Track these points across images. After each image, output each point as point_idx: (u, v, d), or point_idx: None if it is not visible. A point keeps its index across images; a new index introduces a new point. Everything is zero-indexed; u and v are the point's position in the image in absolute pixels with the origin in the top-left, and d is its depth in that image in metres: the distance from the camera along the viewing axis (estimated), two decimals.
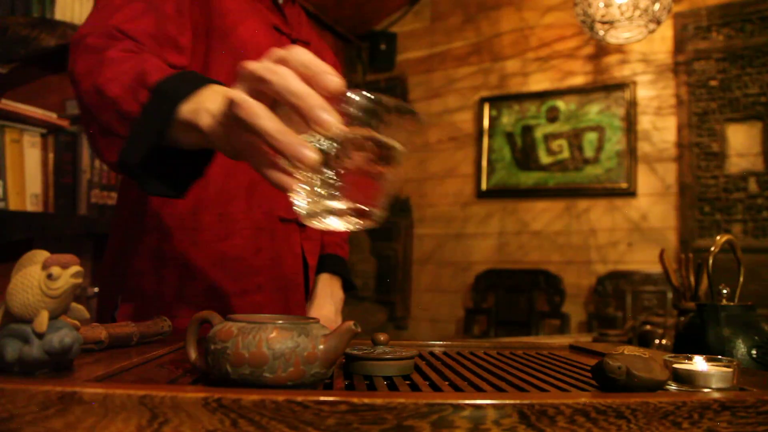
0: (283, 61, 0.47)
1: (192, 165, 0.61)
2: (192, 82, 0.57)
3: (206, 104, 0.53)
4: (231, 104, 0.47)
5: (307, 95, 0.44)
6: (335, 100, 0.46)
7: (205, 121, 0.52)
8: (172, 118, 0.54)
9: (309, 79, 0.46)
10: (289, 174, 0.47)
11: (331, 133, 0.46)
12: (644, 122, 2.95)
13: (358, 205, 0.49)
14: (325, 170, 0.47)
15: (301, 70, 0.46)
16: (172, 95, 0.55)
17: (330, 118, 0.44)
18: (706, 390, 0.46)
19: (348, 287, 1.10)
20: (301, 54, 0.47)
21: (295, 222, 0.93)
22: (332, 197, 0.48)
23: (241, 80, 0.48)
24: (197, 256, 0.83)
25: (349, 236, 1.18)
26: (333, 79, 0.46)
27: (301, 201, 0.49)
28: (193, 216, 0.84)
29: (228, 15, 0.85)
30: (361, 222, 0.50)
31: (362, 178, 0.49)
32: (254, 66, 0.47)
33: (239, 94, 0.47)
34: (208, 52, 0.84)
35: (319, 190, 0.48)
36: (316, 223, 0.50)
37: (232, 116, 0.47)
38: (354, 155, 0.48)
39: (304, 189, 0.49)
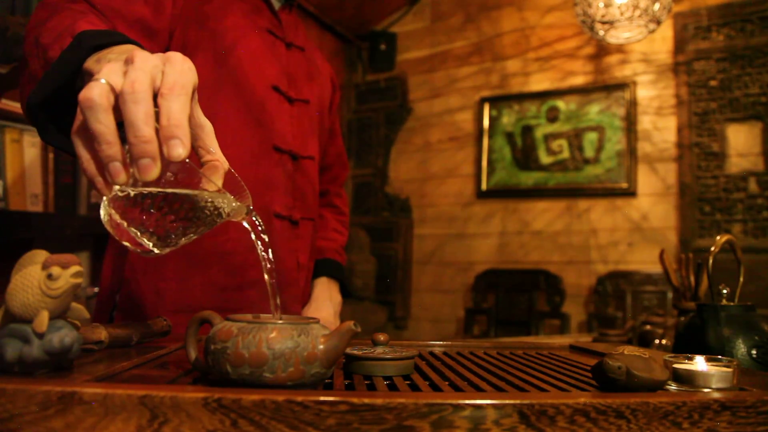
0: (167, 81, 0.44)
1: None
2: (115, 36, 0.56)
3: (111, 56, 0.51)
4: (128, 62, 0.44)
5: (143, 140, 0.42)
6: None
7: (100, 69, 0.48)
8: (81, 63, 0.54)
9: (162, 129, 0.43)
10: (116, 170, 0.44)
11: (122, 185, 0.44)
12: (644, 122, 2.95)
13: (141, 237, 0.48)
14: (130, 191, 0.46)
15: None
16: (87, 44, 0.55)
17: (118, 175, 0.42)
18: (706, 390, 0.46)
19: (345, 293, 1.11)
20: (169, 105, 0.44)
21: (288, 220, 0.93)
22: (131, 221, 0.48)
23: (128, 60, 0.45)
24: (193, 249, 0.83)
25: (346, 243, 1.18)
26: (176, 145, 0.43)
27: (106, 207, 0.48)
28: None
29: (218, 17, 0.86)
30: (141, 248, 0.49)
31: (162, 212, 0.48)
32: (136, 68, 0.44)
33: (143, 64, 0.44)
34: (187, 36, 0.85)
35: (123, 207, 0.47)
36: (109, 229, 0.49)
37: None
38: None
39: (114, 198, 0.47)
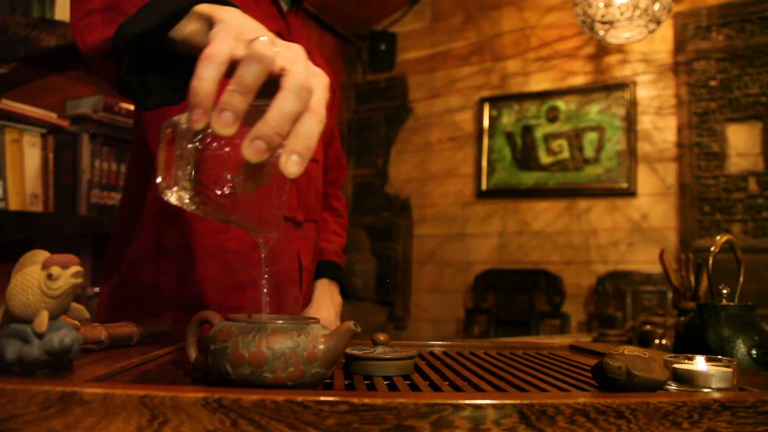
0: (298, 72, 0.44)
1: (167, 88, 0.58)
2: None
3: (234, 12, 0.50)
4: (296, 52, 0.45)
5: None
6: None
7: (225, 16, 0.48)
8: (191, 8, 0.52)
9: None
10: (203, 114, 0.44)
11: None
12: (644, 122, 2.95)
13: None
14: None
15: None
16: None
17: (230, 126, 0.42)
18: (706, 390, 0.46)
19: (344, 295, 1.11)
20: (318, 87, 0.45)
21: (292, 221, 0.93)
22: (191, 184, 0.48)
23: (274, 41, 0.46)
24: (196, 246, 0.83)
25: (345, 244, 1.18)
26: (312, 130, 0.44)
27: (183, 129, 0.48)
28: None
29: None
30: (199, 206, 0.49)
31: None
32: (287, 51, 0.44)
33: (303, 61, 0.45)
34: None
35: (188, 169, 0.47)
36: (168, 194, 0.49)
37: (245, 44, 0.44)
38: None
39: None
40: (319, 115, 0.44)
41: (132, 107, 1.81)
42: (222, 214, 0.50)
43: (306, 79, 0.44)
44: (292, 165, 0.42)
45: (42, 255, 0.43)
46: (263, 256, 0.52)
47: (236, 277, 0.85)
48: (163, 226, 0.84)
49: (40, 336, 0.41)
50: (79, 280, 0.43)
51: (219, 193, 0.48)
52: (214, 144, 0.47)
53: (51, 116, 1.67)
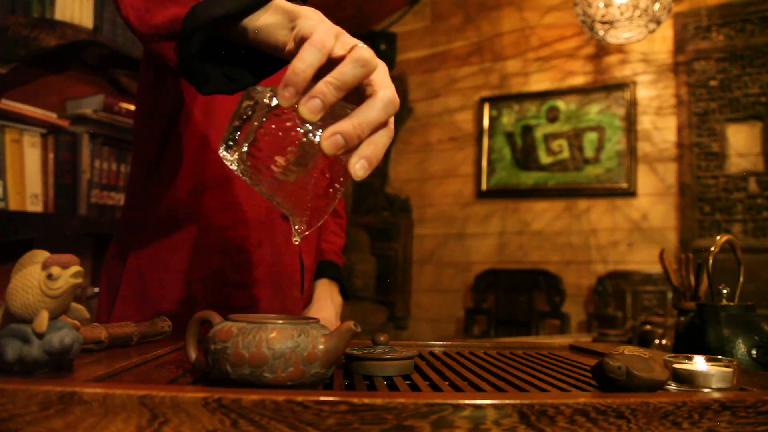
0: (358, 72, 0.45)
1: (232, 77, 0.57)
2: None
3: (307, 8, 0.51)
4: (342, 35, 0.46)
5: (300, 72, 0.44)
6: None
7: (306, 12, 0.49)
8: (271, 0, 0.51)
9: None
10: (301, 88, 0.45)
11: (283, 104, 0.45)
12: (644, 122, 2.95)
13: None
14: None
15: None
16: None
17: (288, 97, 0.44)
18: (706, 390, 0.46)
19: (344, 295, 1.11)
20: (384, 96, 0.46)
21: None
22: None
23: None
24: (200, 243, 0.84)
25: (344, 245, 1.18)
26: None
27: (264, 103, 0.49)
28: (194, 199, 0.84)
29: None
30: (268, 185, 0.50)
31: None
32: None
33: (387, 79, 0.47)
34: None
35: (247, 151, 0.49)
36: (228, 157, 0.50)
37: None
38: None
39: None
40: (392, 132, 0.47)
41: (132, 107, 1.81)
42: (267, 189, 0.51)
43: (395, 97, 0.46)
44: (360, 168, 0.45)
45: (42, 255, 0.43)
46: (296, 242, 0.54)
47: (240, 275, 0.85)
48: (166, 227, 0.84)
49: (40, 336, 0.41)
50: (79, 280, 0.43)
51: (267, 166, 0.49)
52: (287, 123, 0.49)
53: (51, 116, 1.67)
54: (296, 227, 0.53)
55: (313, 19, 0.49)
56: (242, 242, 0.85)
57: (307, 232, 0.53)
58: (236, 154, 0.50)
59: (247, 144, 0.49)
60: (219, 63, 0.56)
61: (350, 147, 0.44)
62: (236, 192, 0.85)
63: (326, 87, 0.44)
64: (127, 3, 0.60)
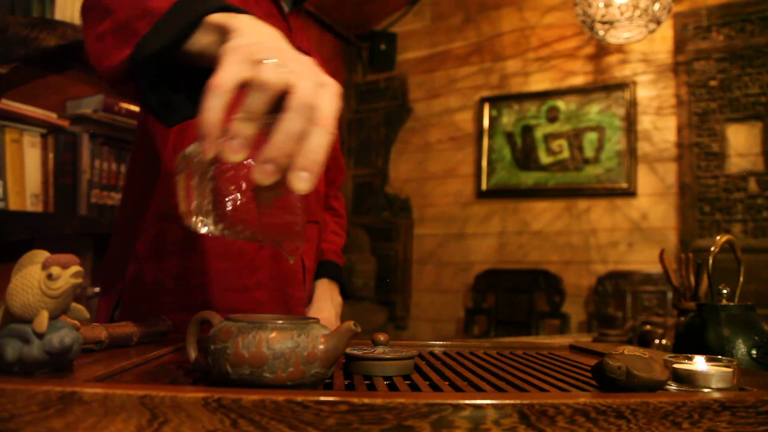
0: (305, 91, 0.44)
1: (188, 97, 0.58)
2: (234, 6, 0.54)
3: (248, 21, 0.50)
4: (299, 61, 0.45)
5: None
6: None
7: (241, 24, 0.49)
8: (203, 19, 0.52)
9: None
10: (217, 142, 0.44)
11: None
12: (644, 122, 2.95)
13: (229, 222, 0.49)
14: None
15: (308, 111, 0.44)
16: (213, 2, 0.53)
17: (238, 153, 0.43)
18: (706, 390, 0.46)
19: (344, 295, 1.11)
20: (327, 102, 0.44)
21: None
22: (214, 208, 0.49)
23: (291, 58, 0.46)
24: (202, 247, 0.83)
25: (344, 244, 1.18)
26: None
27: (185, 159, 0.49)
28: None
29: None
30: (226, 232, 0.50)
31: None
32: (299, 73, 0.44)
33: (312, 74, 0.45)
34: None
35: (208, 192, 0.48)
36: (194, 223, 0.50)
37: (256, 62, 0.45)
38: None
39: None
40: (326, 127, 0.44)
41: (133, 107, 1.81)
42: (249, 232, 0.51)
43: (312, 97, 0.44)
44: (300, 182, 0.43)
45: (42, 255, 0.43)
46: (291, 262, 0.54)
47: (242, 279, 0.85)
48: (167, 229, 0.84)
49: (40, 336, 0.41)
50: (79, 280, 0.43)
51: (239, 213, 0.49)
52: (230, 169, 0.49)
53: (51, 116, 1.67)
54: (287, 253, 0.52)
55: (238, 32, 0.48)
56: (243, 245, 0.85)
57: (299, 249, 0.53)
58: (205, 218, 0.49)
59: (209, 205, 0.49)
60: (186, 88, 0.57)
61: (284, 167, 0.43)
62: None
63: (238, 125, 0.43)
64: (89, 51, 0.63)
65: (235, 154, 0.43)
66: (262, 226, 0.51)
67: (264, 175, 0.42)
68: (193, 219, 0.49)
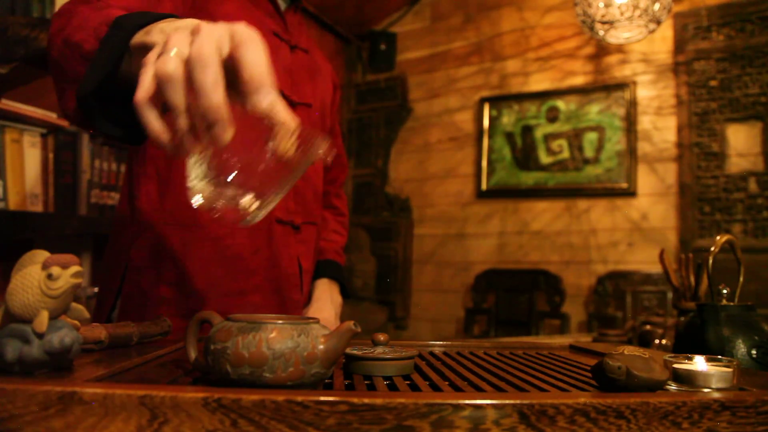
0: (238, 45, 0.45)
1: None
2: (154, 16, 0.55)
3: (163, 25, 0.51)
4: (167, 45, 0.45)
5: (215, 106, 0.43)
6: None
7: (154, 38, 0.50)
8: (127, 44, 0.53)
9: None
10: (193, 138, 0.45)
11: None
12: (644, 122, 2.95)
13: (249, 192, 0.49)
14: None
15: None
16: (128, 25, 0.54)
17: (223, 138, 0.43)
18: (706, 390, 0.46)
19: (344, 294, 1.11)
20: (250, 54, 0.45)
21: (290, 225, 0.93)
22: (223, 182, 0.48)
23: (195, 30, 0.46)
24: (197, 253, 0.83)
25: (346, 243, 1.18)
26: (263, 103, 0.44)
27: (195, 177, 0.49)
28: (193, 213, 0.84)
29: (223, 16, 0.85)
30: (251, 208, 0.50)
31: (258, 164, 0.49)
32: (203, 35, 0.44)
33: (176, 42, 0.45)
34: None
35: (209, 171, 0.48)
36: (206, 204, 0.50)
37: (160, 53, 0.45)
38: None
39: (198, 163, 0.48)
40: (248, 44, 0.45)
41: None
42: (237, 190, 0.50)
43: (198, 45, 0.43)
44: (265, 99, 0.44)
45: (42, 255, 0.43)
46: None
47: (239, 283, 0.85)
48: (163, 234, 0.84)
49: (40, 336, 0.41)
50: (79, 280, 0.43)
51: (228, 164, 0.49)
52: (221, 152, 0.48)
53: (51, 116, 1.67)
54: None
55: (153, 45, 0.48)
56: (240, 250, 0.85)
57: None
58: (202, 186, 0.49)
59: (203, 176, 0.48)
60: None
61: (224, 116, 0.43)
62: None
63: (205, 109, 0.43)
64: (62, 108, 0.66)
65: (223, 136, 0.43)
66: (249, 181, 0.50)
67: (222, 136, 0.43)
68: (194, 195, 0.49)
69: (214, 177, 0.48)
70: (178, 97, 0.43)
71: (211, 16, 0.85)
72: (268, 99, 0.44)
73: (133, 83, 0.54)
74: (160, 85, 0.43)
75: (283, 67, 0.94)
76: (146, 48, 0.50)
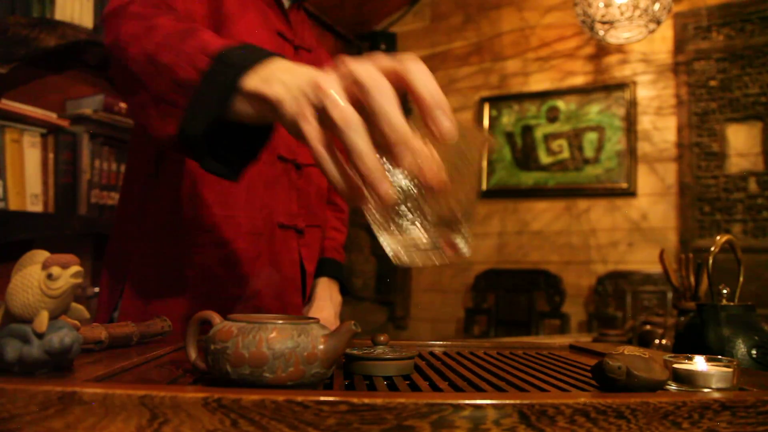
0: (394, 75, 0.44)
1: (247, 144, 0.59)
2: (257, 51, 0.54)
3: (280, 74, 0.49)
4: (318, 90, 0.44)
5: (403, 132, 0.42)
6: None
7: (278, 91, 0.48)
8: (238, 86, 0.51)
9: (418, 105, 0.44)
10: (359, 189, 0.44)
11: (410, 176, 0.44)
12: (644, 122, 2.95)
13: (441, 239, 0.48)
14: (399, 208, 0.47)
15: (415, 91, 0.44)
16: (237, 62, 0.52)
17: (413, 163, 0.43)
18: (706, 390, 0.46)
19: (344, 291, 1.10)
20: (421, 76, 0.44)
21: (293, 229, 0.93)
22: (406, 229, 0.48)
23: (338, 72, 0.45)
24: (199, 259, 0.83)
25: (345, 240, 1.18)
26: (446, 122, 0.44)
27: (378, 229, 0.48)
28: (194, 217, 0.84)
29: (230, 16, 0.85)
30: (447, 255, 0.49)
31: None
32: (359, 68, 0.44)
33: (332, 85, 0.44)
34: None
35: (391, 221, 0.48)
36: (400, 259, 0.49)
37: (317, 103, 0.44)
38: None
39: (374, 214, 0.48)
40: (414, 64, 0.44)
41: None
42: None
43: (371, 78, 0.43)
44: (442, 127, 0.44)
45: (42, 255, 0.43)
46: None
47: (239, 288, 0.85)
48: (166, 239, 0.84)
49: (40, 336, 0.41)
50: (79, 280, 0.43)
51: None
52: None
53: (51, 116, 1.67)
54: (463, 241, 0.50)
55: (281, 102, 0.47)
56: (241, 255, 0.85)
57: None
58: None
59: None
60: (238, 139, 0.58)
61: (409, 152, 0.42)
62: (234, 205, 0.85)
63: (363, 169, 0.42)
64: (134, 115, 0.66)
65: (388, 196, 0.43)
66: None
67: (401, 158, 0.42)
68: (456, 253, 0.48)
69: (422, 219, 0.47)
70: (363, 141, 0.42)
71: (221, 12, 0.84)
72: (449, 120, 0.44)
73: (238, 122, 0.54)
74: (339, 133, 0.43)
75: None
76: (265, 100, 0.49)
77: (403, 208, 0.47)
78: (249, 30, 0.86)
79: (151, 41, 0.60)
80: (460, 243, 0.49)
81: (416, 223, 0.47)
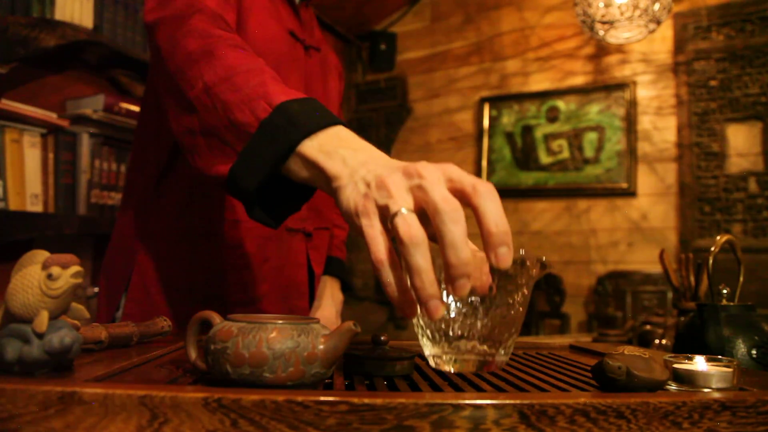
0: (461, 194, 0.43)
1: (292, 196, 0.59)
2: (318, 111, 0.52)
3: (342, 151, 0.49)
4: (383, 190, 0.43)
5: (469, 267, 0.41)
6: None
7: (338, 170, 0.47)
8: (296, 149, 0.50)
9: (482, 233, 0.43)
10: (413, 303, 0.43)
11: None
12: (644, 122, 2.95)
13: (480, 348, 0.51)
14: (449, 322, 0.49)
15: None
16: (299, 121, 0.51)
17: (438, 312, 0.42)
18: (706, 390, 0.46)
19: (346, 289, 1.10)
20: (491, 206, 0.42)
21: (301, 232, 0.92)
22: (451, 342, 0.51)
23: (404, 171, 0.44)
24: (207, 263, 0.83)
25: (347, 237, 1.18)
26: (506, 257, 0.43)
27: (423, 338, 0.52)
28: (201, 221, 0.83)
29: (245, 9, 0.83)
30: (486, 366, 0.52)
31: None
32: (434, 187, 0.42)
33: (400, 193, 0.42)
34: None
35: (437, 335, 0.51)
36: (439, 365, 0.52)
37: (380, 203, 0.43)
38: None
39: (422, 324, 0.51)
40: (486, 193, 0.43)
41: (133, 107, 1.81)
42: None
43: (442, 196, 0.42)
44: (505, 258, 0.44)
45: (42, 255, 0.43)
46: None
47: (247, 293, 0.85)
48: (173, 243, 0.83)
49: (40, 336, 0.41)
50: (79, 280, 0.43)
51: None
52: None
53: (51, 116, 1.67)
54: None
55: (340, 180, 0.47)
56: (249, 260, 0.85)
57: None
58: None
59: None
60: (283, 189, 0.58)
61: (470, 272, 0.42)
62: (242, 211, 0.84)
63: (419, 286, 0.41)
64: (177, 134, 0.63)
65: (438, 313, 0.42)
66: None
67: (462, 290, 0.42)
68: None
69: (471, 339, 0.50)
70: (425, 260, 0.41)
71: (241, 4, 0.83)
72: (508, 260, 0.43)
73: (289, 181, 0.53)
74: (402, 248, 0.41)
75: (297, 69, 0.91)
76: (321, 171, 0.48)
77: (451, 324, 0.50)
78: (262, 26, 0.85)
79: (211, 71, 0.58)
80: (500, 355, 0.52)
81: (462, 337, 0.50)
